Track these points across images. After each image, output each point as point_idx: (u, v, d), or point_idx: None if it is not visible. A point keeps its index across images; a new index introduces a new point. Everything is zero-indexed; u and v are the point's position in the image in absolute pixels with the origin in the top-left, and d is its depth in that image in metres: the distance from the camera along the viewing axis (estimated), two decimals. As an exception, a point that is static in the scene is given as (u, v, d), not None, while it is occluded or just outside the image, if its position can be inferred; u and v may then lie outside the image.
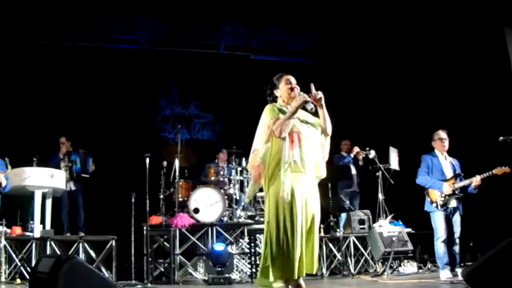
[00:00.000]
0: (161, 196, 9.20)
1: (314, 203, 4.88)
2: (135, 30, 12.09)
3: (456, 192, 7.66)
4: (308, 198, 4.83)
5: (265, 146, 4.91)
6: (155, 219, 8.87)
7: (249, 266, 9.05)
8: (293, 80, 5.14)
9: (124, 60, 12.05)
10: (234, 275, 8.96)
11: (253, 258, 8.78)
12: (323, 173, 5.12)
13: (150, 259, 8.46)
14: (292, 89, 5.06)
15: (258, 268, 5.02)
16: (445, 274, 7.48)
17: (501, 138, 7.37)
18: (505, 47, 9.85)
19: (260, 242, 9.88)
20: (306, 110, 4.95)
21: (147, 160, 8.02)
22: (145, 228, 8.30)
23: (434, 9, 11.07)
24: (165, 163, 9.13)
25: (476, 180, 7.52)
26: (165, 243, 9.01)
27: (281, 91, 5.14)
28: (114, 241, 8.49)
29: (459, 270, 7.44)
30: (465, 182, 7.64)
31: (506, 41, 9.87)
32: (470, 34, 10.88)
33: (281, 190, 4.73)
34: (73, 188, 9.96)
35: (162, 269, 9.07)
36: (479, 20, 10.55)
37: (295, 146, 4.86)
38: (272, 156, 4.88)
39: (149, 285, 7.49)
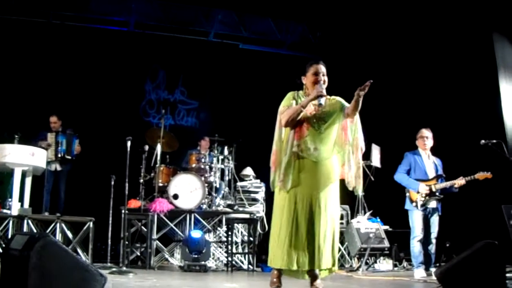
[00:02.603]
0: (141, 180, 9.18)
1: (324, 195, 4.82)
2: (126, 12, 11.96)
3: (437, 193, 7.71)
4: (316, 189, 4.79)
5: (277, 133, 4.91)
6: (134, 203, 8.87)
7: (226, 254, 9.06)
8: (321, 71, 4.97)
9: (113, 41, 11.97)
10: (210, 263, 8.99)
11: (229, 247, 8.81)
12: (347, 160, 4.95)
13: (126, 242, 8.45)
14: (316, 81, 4.92)
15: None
16: (419, 273, 7.55)
17: (483, 141, 7.47)
18: (493, 52, 9.91)
19: (238, 231, 9.94)
20: (319, 105, 4.83)
21: (129, 143, 7.96)
22: (123, 211, 8.29)
23: (426, 11, 11.11)
24: (147, 147, 9.09)
25: (459, 183, 7.57)
26: (142, 227, 9.00)
27: (307, 79, 5.02)
28: (91, 223, 8.44)
29: (433, 270, 7.48)
30: (447, 184, 7.68)
31: (494, 46, 9.92)
32: (461, 38, 10.92)
33: (279, 178, 4.74)
34: (58, 168, 9.87)
35: (138, 254, 9.08)
36: (470, 25, 10.60)
37: (301, 136, 4.81)
38: (282, 145, 4.86)
39: (125, 268, 7.44)
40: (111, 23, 12.07)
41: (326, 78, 4.97)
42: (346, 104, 4.95)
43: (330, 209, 4.85)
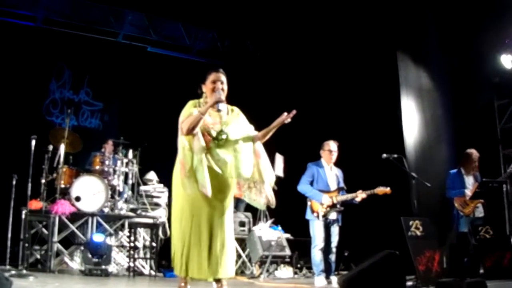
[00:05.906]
0: (43, 181, 8.94)
1: (225, 205, 4.87)
2: (34, 6, 11.53)
3: (338, 205, 7.84)
4: (218, 198, 4.82)
5: (180, 142, 4.85)
6: (35, 204, 8.58)
7: (127, 259, 8.96)
8: (220, 79, 4.96)
9: (18, 36, 11.46)
10: (111, 268, 8.81)
11: (131, 252, 8.73)
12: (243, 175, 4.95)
13: (26, 244, 8.22)
14: (214, 89, 4.91)
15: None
16: (320, 281, 7.68)
17: (384, 155, 7.71)
18: (397, 70, 10.31)
19: (140, 236, 9.85)
20: (218, 110, 4.87)
21: (33, 142, 7.75)
22: (24, 212, 8.06)
23: (335, 27, 11.49)
24: (51, 147, 8.87)
25: (360, 196, 7.76)
26: (43, 229, 8.77)
27: (206, 87, 5.00)
28: (-11, 224, 8.17)
29: (333, 278, 7.73)
30: (347, 197, 7.82)
31: (398, 64, 10.32)
32: (367, 55, 11.37)
33: (199, 186, 4.69)
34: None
35: (38, 256, 8.77)
36: (376, 43, 11.05)
37: (206, 147, 4.79)
38: (186, 154, 4.79)
39: (24, 271, 7.23)
40: (18, 17, 11.56)
41: (225, 87, 4.98)
42: (251, 129, 5.09)
43: (228, 220, 4.92)
